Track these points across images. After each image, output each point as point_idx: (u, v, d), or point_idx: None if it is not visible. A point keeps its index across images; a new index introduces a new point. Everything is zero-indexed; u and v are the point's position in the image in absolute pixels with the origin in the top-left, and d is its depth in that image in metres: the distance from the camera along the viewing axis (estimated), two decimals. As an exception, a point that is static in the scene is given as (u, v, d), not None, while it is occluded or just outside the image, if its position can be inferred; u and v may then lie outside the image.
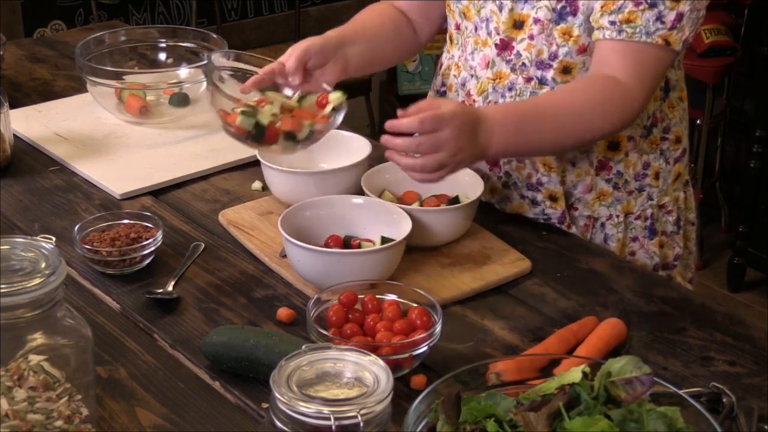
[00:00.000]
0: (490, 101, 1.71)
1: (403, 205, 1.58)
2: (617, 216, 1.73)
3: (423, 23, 1.86)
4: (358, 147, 1.75)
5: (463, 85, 1.76)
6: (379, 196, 1.62)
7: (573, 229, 1.73)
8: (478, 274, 1.54)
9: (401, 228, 1.51)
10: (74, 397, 1.13)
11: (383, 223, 1.55)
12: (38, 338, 1.11)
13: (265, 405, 1.25)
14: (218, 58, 1.74)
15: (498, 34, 1.68)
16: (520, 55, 1.67)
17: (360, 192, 1.64)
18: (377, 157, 1.81)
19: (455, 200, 1.63)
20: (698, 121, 3.80)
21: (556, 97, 1.60)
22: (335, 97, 1.61)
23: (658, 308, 1.49)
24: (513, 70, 1.68)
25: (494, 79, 1.70)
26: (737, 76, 3.92)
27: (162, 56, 2.23)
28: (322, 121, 1.59)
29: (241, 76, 1.71)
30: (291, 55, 1.65)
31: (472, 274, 1.54)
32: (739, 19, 3.86)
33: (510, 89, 1.69)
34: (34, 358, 1.10)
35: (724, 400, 1.24)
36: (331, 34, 1.73)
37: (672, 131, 1.72)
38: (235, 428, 1.25)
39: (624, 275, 1.57)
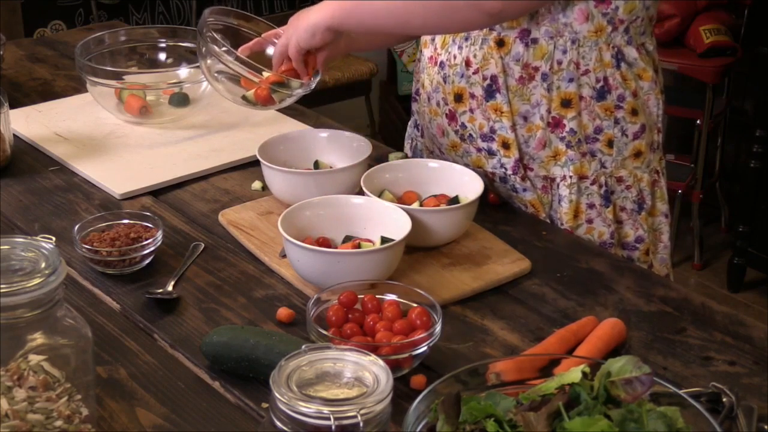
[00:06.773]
0: (449, 51, 1.78)
1: (402, 205, 1.58)
2: (570, 177, 1.74)
3: None
4: (358, 147, 1.75)
5: (433, 40, 1.84)
6: (379, 196, 1.62)
7: (527, 183, 1.76)
8: (478, 274, 1.54)
9: (401, 228, 1.51)
10: (74, 397, 1.13)
11: (383, 223, 1.55)
12: (38, 338, 1.11)
13: (265, 405, 1.25)
14: (215, 15, 1.81)
15: None
16: None
17: (360, 192, 1.64)
18: (377, 157, 1.81)
19: (455, 200, 1.63)
20: (698, 121, 3.80)
21: None
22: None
23: (658, 308, 1.49)
24: None
25: None
26: (737, 76, 3.92)
27: (162, 56, 2.23)
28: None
29: (233, 32, 1.84)
30: None
31: (472, 274, 1.54)
32: (739, 19, 3.86)
33: (466, 39, 1.74)
34: (34, 358, 1.10)
35: (724, 400, 1.24)
36: None
37: (627, 102, 1.73)
38: (235, 428, 1.25)
39: (624, 275, 1.58)
